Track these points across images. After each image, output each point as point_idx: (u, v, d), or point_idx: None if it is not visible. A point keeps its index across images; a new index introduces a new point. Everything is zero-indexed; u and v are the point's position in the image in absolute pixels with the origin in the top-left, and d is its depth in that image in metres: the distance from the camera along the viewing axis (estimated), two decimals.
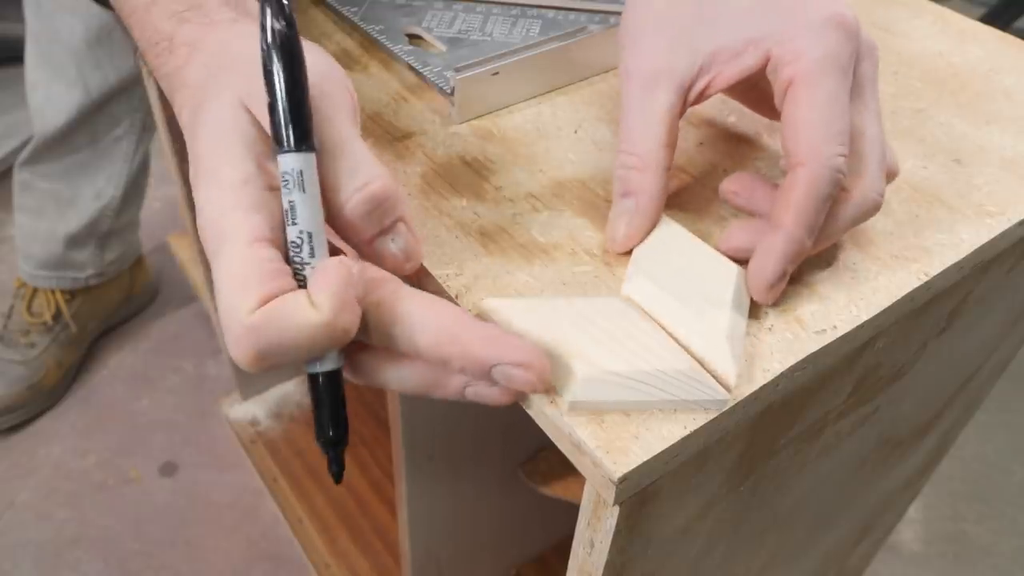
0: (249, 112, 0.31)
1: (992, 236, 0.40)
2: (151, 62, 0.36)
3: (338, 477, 0.33)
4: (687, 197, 0.41)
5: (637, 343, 0.32)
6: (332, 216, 0.32)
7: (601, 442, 0.30)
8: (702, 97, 0.38)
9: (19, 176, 1.13)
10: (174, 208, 1.51)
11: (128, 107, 1.08)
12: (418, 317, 0.31)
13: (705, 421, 0.31)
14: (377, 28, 0.51)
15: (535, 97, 0.48)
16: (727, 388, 0.31)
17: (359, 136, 0.33)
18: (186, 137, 0.33)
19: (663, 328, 0.33)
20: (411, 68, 0.48)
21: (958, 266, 0.39)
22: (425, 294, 0.32)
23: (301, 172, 0.30)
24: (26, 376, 1.16)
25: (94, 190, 1.13)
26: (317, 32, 0.53)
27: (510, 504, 0.78)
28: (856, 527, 0.72)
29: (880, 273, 0.38)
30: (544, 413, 0.32)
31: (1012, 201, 0.42)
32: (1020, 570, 1.09)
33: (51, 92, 1.03)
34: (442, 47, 0.49)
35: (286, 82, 0.30)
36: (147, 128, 1.12)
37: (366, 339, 0.31)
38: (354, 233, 0.32)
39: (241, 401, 1.15)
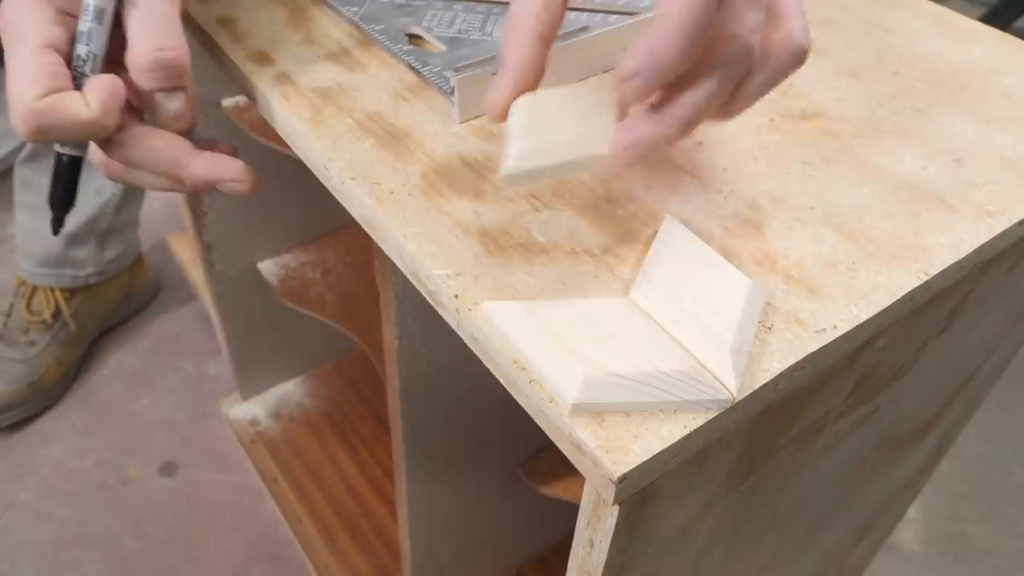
0: None
1: (992, 236, 0.40)
2: None
3: (55, 231, 0.48)
4: (687, 197, 0.41)
5: (639, 344, 0.32)
6: (128, 62, 0.40)
7: (601, 442, 0.30)
8: None
9: (20, 173, 1.13)
10: (174, 207, 1.51)
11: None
12: (156, 146, 0.42)
13: (705, 421, 0.31)
14: (377, 28, 0.51)
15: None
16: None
17: (175, 15, 0.41)
18: None
19: (668, 334, 0.33)
20: (411, 68, 0.48)
21: (958, 266, 0.39)
22: (162, 131, 0.43)
23: (104, 11, 0.40)
24: (26, 374, 1.16)
25: (94, 187, 1.14)
26: (317, 32, 0.53)
27: (510, 504, 0.78)
28: (856, 527, 0.72)
29: (880, 272, 0.38)
30: (544, 413, 0.32)
31: (1012, 201, 0.42)
32: (1020, 570, 1.09)
33: None
34: (442, 47, 0.49)
35: None
36: None
37: (111, 152, 0.42)
38: (141, 82, 0.40)
39: (241, 401, 1.15)
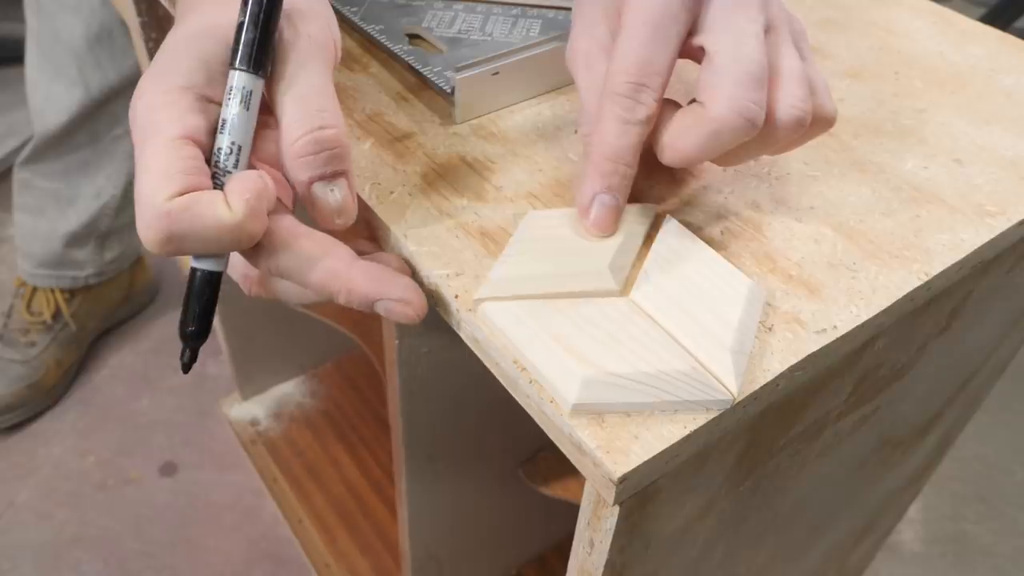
0: (221, 31, 0.34)
1: (992, 236, 0.40)
2: None
3: (186, 369, 0.37)
4: (687, 197, 0.41)
5: (639, 344, 0.32)
6: (282, 150, 0.34)
7: (601, 442, 0.30)
8: None
9: (19, 175, 1.13)
10: None
11: (128, 106, 1.08)
12: (310, 252, 0.34)
13: (705, 421, 0.31)
14: (377, 28, 0.51)
15: (535, 97, 0.48)
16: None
17: (331, 84, 0.35)
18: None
19: (668, 335, 0.33)
20: (411, 68, 0.48)
21: (958, 266, 0.39)
22: (317, 232, 0.35)
23: (251, 93, 0.33)
24: (26, 375, 1.16)
25: (94, 189, 1.14)
26: None
27: (510, 504, 0.78)
28: (856, 527, 0.72)
29: (880, 273, 0.38)
30: (544, 413, 0.32)
31: (1012, 201, 0.42)
32: (1020, 570, 1.09)
33: (51, 91, 1.03)
34: (442, 47, 0.49)
35: (265, 12, 0.33)
36: None
37: (255, 261, 0.34)
38: (295, 170, 0.34)
39: (241, 401, 1.15)
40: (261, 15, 0.33)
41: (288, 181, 0.35)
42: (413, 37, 0.51)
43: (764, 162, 0.44)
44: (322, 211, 0.35)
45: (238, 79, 0.33)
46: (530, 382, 0.32)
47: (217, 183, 0.33)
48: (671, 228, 0.38)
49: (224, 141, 0.33)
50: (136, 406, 1.21)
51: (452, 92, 0.45)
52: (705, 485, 0.37)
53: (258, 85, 0.33)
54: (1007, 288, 0.50)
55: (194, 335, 0.35)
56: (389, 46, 0.49)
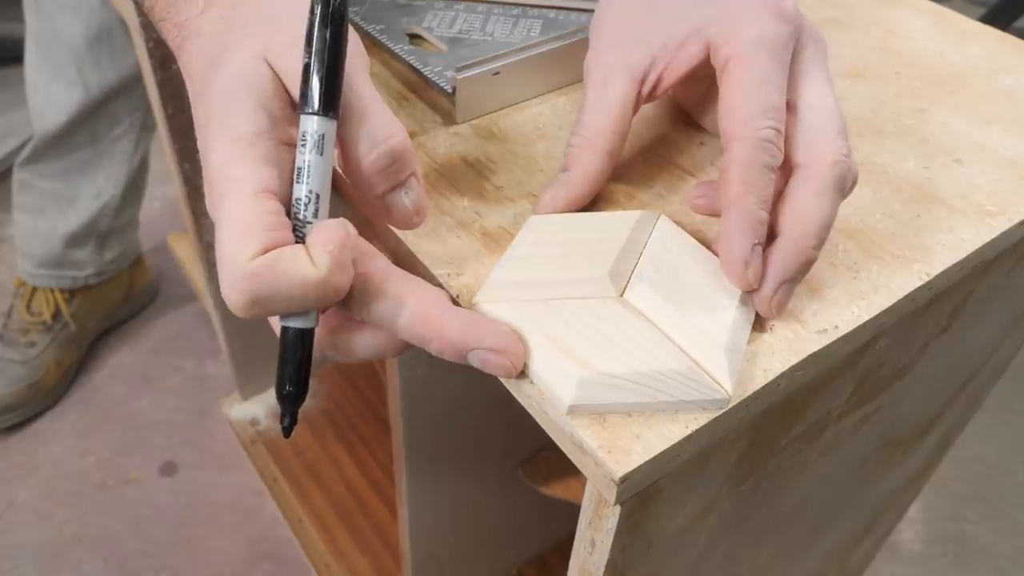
0: (271, 67, 0.32)
1: (993, 236, 0.40)
2: (159, 12, 0.37)
3: (288, 432, 0.34)
4: (686, 196, 0.41)
5: (633, 344, 0.32)
6: (350, 170, 0.33)
7: (603, 442, 0.30)
8: (657, 89, 0.39)
9: (19, 175, 1.13)
10: (174, 208, 1.51)
11: (128, 106, 1.08)
12: (401, 297, 0.32)
13: (707, 421, 0.31)
14: (378, 28, 0.50)
15: (536, 97, 0.48)
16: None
17: (377, 94, 0.34)
18: (194, 87, 0.34)
19: (663, 334, 0.33)
20: (412, 68, 0.48)
21: (959, 266, 0.39)
22: (410, 275, 0.33)
23: (323, 136, 0.31)
24: (26, 375, 1.16)
25: (94, 189, 1.13)
26: None
27: (510, 504, 0.78)
28: (857, 527, 0.72)
29: (881, 273, 0.38)
30: (545, 413, 0.32)
31: (1013, 201, 0.42)
32: (1020, 570, 1.09)
33: (51, 91, 1.03)
34: (443, 47, 0.49)
35: (330, 50, 0.31)
36: (147, 127, 1.12)
37: (345, 309, 0.33)
38: (370, 187, 0.33)
39: (241, 401, 1.15)
40: (326, 53, 0.31)
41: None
42: (414, 37, 0.51)
43: None
44: (400, 216, 0.34)
45: (312, 125, 0.31)
46: (530, 383, 0.32)
47: (298, 236, 0.31)
48: (664, 227, 0.37)
49: (302, 191, 0.31)
50: (136, 406, 1.21)
51: (453, 92, 0.45)
52: (707, 485, 0.37)
53: (331, 128, 0.31)
54: (1008, 288, 0.50)
55: (292, 397, 0.33)
56: (390, 46, 0.49)
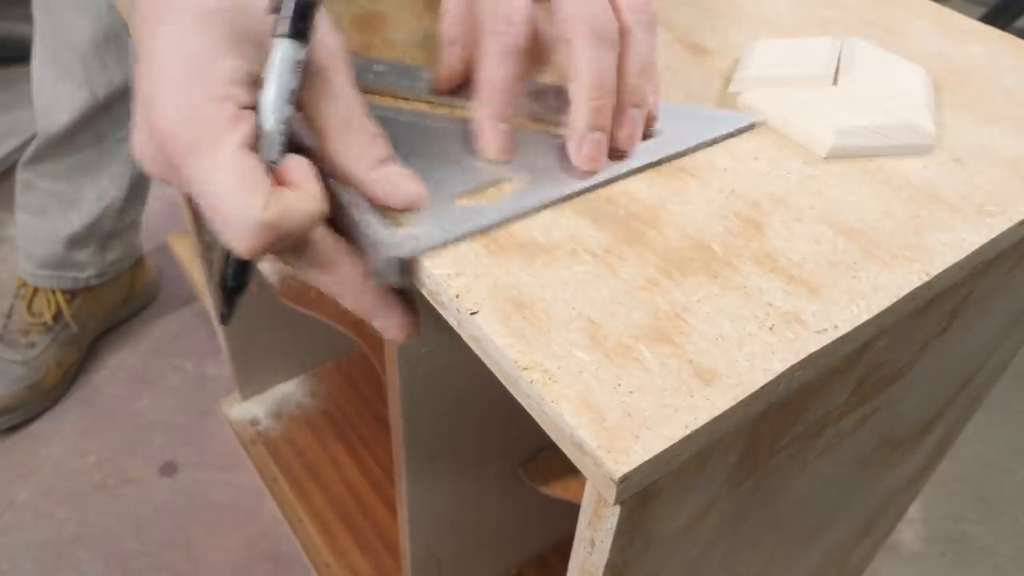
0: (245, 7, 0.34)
1: (993, 236, 0.40)
2: None
3: (225, 320, 0.39)
4: (686, 196, 0.41)
5: (864, 107, 0.45)
6: (331, 149, 0.36)
7: (602, 442, 0.30)
8: None
9: (22, 176, 1.13)
10: (174, 208, 1.51)
11: (133, 108, 1.08)
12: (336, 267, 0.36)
13: (706, 420, 0.31)
14: None
15: None
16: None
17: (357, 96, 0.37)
18: (147, 8, 0.34)
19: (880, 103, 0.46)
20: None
21: (959, 266, 0.39)
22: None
23: (298, 63, 0.34)
24: (26, 376, 1.16)
25: (97, 190, 1.13)
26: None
27: (510, 504, 0.78)
28: (857, 527, 0.72)
29: (881, 273, 0.38)
30: (545, 413, 0.32)
31: (1013, 201, 0.42)
32: (1020, 570, 1.09)
33: (57, 92, 1.03)
34: None
35: None
36: None
37: (303, 270, 0.36)
38: (364, 158, 0.37)
39: (241, 401, 1.15)
40: None
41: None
42: None
43: (764, 162, 0.44)
44: (394, 188, 0.37)
45: (287, 50, 0.33)
46: (531, 382, 0.32)
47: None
48: (851, 41, 0.51)
49: (273, 126, 0.34)
50: (136, 406, 1.21)
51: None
52: (706, 484, 0.37)
53: (303, 53, 0.34)
54: (1007, 288, 0.51)
55: (234, 290, 0.38)
56: None
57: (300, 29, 0.33)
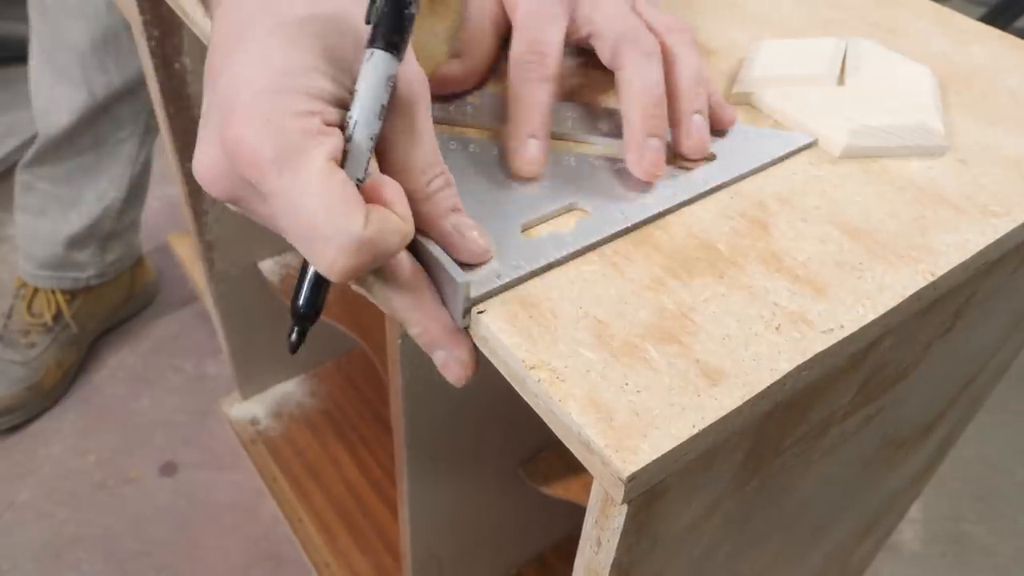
0: (348, 19, 0.33)
1: (997, 236, 0.40)
2: None
3: (293, 348, 0.35)
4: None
5: (874, 109, 0.45)
6: (411, 187, 0.34)
7: (610, 441, 0.30)
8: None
9: (21, 177, 1.13)
10: (174, 208, 1.51)
11: (132, 109, 1.08)
12: (417, 305, 0.35)
13: (713, 420, 0.31)
14: None
15: None
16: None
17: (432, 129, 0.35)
18: (228, 15, 0.33)
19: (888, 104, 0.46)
20: None
21: (964, 266, 0.39)
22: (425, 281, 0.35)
23: (391, 77, 0.32)
24: (26, 376, 1.16)
25: (97, 191, 1.13)
26: None
27: (510, 504, 0.78)
28: (859, 527, 0.72)
29: (886, 273, 0.38)
30: (552, 412, 0.32)
31: (1017, 201, 0.42)
32: (1020, 570, 1.10)
33: (55, 94, 1.03)
34: None
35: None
36: (150, 130, 1.12)
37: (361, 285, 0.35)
38: (438, 204, 0.35)
39: (241, 401, 1.15)
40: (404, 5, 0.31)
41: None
42: None
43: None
44: (465, 240, 0.35)
45: (382, 64, 0.31)
46: (538, 381, 0.32)
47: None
48: (856, 41, 0.51)
49: (363, 136, 0.32)
50: (136, 406, 1.21)
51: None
52: (712, 484, 0.37)
53: (395, 68, 0.32)
54: (1011, 289, 0.51)
55: (305, 316, 0.34)
56: None
57: (395, 42, 0.31)
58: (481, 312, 0.35)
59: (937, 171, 0.44)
